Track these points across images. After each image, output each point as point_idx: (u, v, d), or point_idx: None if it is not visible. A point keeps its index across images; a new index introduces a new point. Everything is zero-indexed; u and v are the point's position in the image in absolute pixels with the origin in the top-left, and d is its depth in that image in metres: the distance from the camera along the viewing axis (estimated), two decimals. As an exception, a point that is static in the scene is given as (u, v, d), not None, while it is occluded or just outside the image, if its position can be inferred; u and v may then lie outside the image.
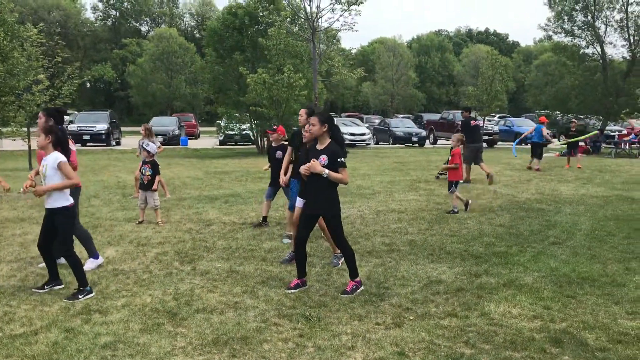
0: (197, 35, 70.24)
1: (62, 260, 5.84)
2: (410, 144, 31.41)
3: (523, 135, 20.78)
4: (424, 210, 10.44)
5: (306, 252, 5.85)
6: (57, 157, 5.45)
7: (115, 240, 7.98)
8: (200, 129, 45.28)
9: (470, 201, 10.43)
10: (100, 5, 72.32)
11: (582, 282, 6.01)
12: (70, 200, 5.56)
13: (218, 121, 30.01)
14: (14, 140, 18.80)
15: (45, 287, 5.74)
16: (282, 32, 18.24)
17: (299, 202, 6.90)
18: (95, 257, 6.57)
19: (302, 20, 18.74)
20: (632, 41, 28.51)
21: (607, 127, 30.76)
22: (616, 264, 6.74)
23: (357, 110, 65.60)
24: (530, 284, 5.94)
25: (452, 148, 10.66)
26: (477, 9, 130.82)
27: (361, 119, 40.38)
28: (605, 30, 29.40)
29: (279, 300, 5.44)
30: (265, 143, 18.72)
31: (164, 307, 5.23)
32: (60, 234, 5.53)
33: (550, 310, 5.17)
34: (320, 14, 17.47)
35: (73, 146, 6.63)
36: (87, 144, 28.74)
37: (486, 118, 22.76)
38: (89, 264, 6.46)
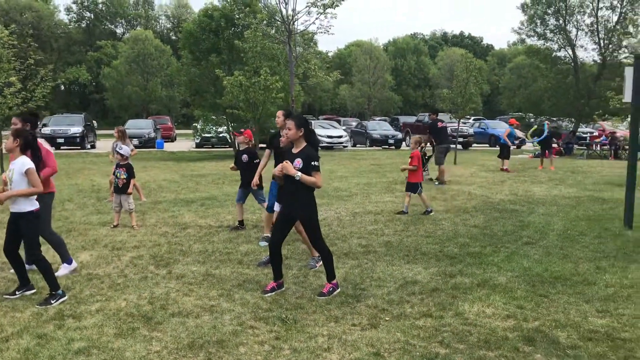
0: (173, 37, 69.69)
1: (34, 266, 5.75)
2: (387, 146, 31.61)
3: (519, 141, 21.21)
4: (399, 211, 10.50)
5: (282, 255, 5.86)
6: (24, 162, 5.35)
7: (90, 244, 7.89)
8: (177, 131, 44.95)
9: (432, 211, 10.34)
10: (74, 6, 71.27)
11: (554, 281, 6.12)
12: (35, 205, 5.47)
13: (194, 124, 29.83)
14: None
15: (17, 292, 5.65)
16: (259, 34, 18.22)
17: (278, 207, 6.91)
18: (69, 262, 6.48)
19: (279, 23, 18.73)
20: (602, 45, 29.08)
21: (579, 129, 31.30)
22: (587, 263, 6.87)
23: (334, 112, 65.76)
24: (504, 284, 6.02)
25: (411, 150, 10.74)
26: (452, 13, 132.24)
27: (338, 122, 40.53)
28: (577, 34, 29.97)
29: (255, 303, 5.43)
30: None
31: (139, 312, 5.19)
32: (26, 238, 5.45)
33: (523, 310, 5.25)
34: (296, 17, 17.47)
35: (51, 148, 6.49)
36: (62, 147, 28.33)
37: (461, 120, 22.95)
38: (63, 270, 6.37)
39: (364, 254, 7.39)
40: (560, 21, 29.83)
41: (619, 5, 28.37)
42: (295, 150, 5.64)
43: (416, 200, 10.55)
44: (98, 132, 36.84)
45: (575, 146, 28.24)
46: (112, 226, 9.01)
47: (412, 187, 10.40)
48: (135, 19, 76.16)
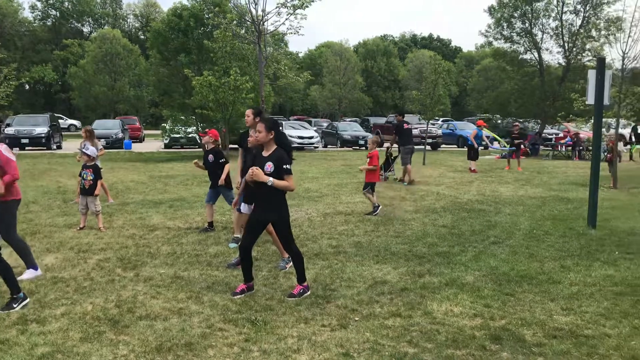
0: (142, 36, 68.73)
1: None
2: (358, 147, 31.74)
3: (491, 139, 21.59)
4: (369, 212, 10.56)
5: (252, 257, 5.83)
6: None
7: (55, 247, 7.73)
8: (145, 132, 44.38)
9: (380, 207, 10.42)
10: (38, 4, 69.72)
11: (520, 280, 6.23)
12: None
13: (163, 124, 29.48)
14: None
15: (-21, 297, 5.49)
16: (228, 34, 18.09)
17: (245, 208, 6.87)
18: (34, 268, 6.33)
19: (249, 23, 18.63)
20: (566, 48, 29.71)
21: (545, 130, 31.92)
22: (552, 262, 7.01)
23: (305, 113, 65.76)
24: (472, 283, 6.11)
25: (370, 150, 10.82)
26: (421, 15, 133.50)
27: (309, 122, 40.58)
28: (542, 37, 30.57)
29: (224, 305, 5.39)
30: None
31: (105, 315, 5.10)
32: None
33: (490, 308, 5.33)
34: (266, 18, 17.39)
35: (12, 155, 6.21)
36: (26, 148, 27.70)
37: (430, 122, 23.20)
38: (27, 274, 6.21)
39: (334, 254, 7.40)
40: (526, 24, 30.38)
41: (582, 9, 29.04)
42: (265, 153, 5.59)
43: (388, 201, 10.62)
44: (64, 132, 36.12)
45: (541, 147, 28.81)
46: (78, 228, 8.85)
47: (369, 186, 10.48)
48: (102, 17, 74.89)
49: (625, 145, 24.35)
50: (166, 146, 30.70)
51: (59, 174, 17.08)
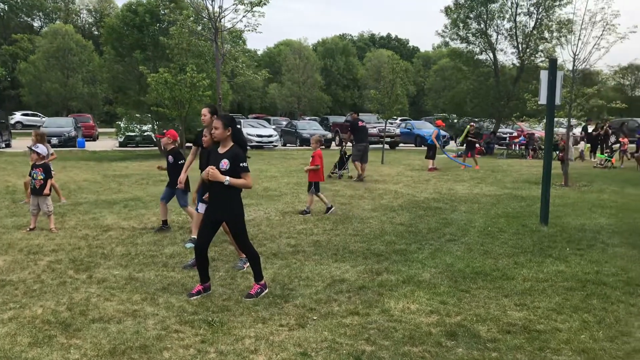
0: (95, 32, 67.10)
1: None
2: (317, 146, 31.75)
3: (444, 140, 21.95)
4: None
5: (208, 257, 5.75)
6: None
7: (3, 249, 7.46)
8: (99, 130, 43.36)
9: (333, 207, 10.39)
10: (-15, -3, 67.31)
11: (475, 276, 6.33)
12: None
13: (118, 122, 28.87)
14: None
15: None
16: (185, 31, 17.84)
17: (202, 208, 6.77)
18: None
19: (205, 20, 18.40)
20: (520, 49, 30.43)
21: (499, 130, 32.63)
22: (506, 258, 7.16)
23: (264, 111, 65.44)
24: (428, 280, 6.18)
25: (313, 150, 10.82)
26: (379, 15, 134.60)
27: (268, 121, 40.38)
28: (497, 38, 31.21)
29: (180, 306, 5.30)
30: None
31: (56, 318, 4.95)
32: None
33: (446, 305, 5.40)
34: (223, 14, 17.21)
35: None
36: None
37: (388, 121, 23.41)
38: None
39: (292, 253, 7.38)
40: (482, 25, 30.98)
41: (535, 11, 29.79)
42: (221, 150, 5.52)
43: (347, 200, 10.65)
44: (13, 130, 34.95)
45: (496, 146, 29.45)
46: (28, 229, 8.56)
47: (312, 186, 10.48)
48: (54, 12, 72.73)
49: (579, 142, 25.14)
50: (121, 145, 30.08)
51: (8, 173, 16.51)
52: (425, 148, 19.96)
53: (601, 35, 14.69)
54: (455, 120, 35.97)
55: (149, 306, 5.30)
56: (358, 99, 72.58)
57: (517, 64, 30.87)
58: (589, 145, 25.08)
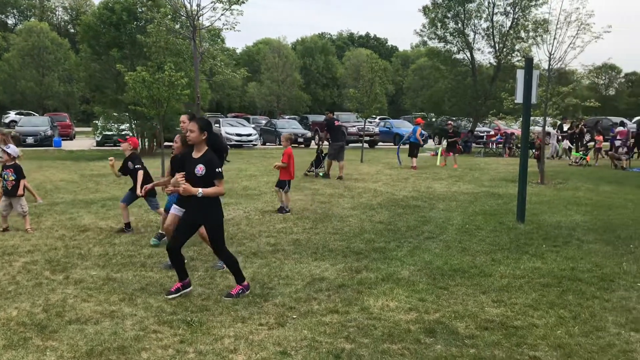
0: (72, 30, 66.18)
1: None
2: (297, 145, 31.74)
3: (404, 138, 22.03)
4: (308, 209, 10.59)
5: (183, 255, 5.69)
6: None
7: (-24, 250, 7.33)
8: (76, 129, 42.80)
9: (289, 212, 10.26)
10: (-43, -6, 66.03)
11: (453, 273, 6.39)
12: None
13: (95, 121, 28.51)
14: None
15: None
16: (162, 29, 17.65)
17: (175, 210, 6.66)
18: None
19: (183, 18, 18.25)
20: (497, 48, 30.71)
21: (477, 128, 32.91)
22: (484, 255, 7.24)
23: (243, 110, 65.15)
24: (407, 278, 6.22)
25: (283, 148, 10.83)
26: (358, 14, 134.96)
27: (247, 120, 40.23)
28: (474, 38, 31.42)
29: (159, 306, 5.26)
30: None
31: (32, 320, 4.88)
32: None
33: (424, 302, 5.44)
34: (201, 12, 17.07)
35: None
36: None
37: (367, 120, 23.49)
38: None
39: (272, 252, 7.37)
40: (459, 25, 31.17)
41: (511, 11, 30.10)
42: (196, 155, 5.43)
43: (327, 199, 10.67)
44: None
45: (473, 144, 29.72)
46: (0, 230, 8.42)
47: (281, 184, 10.48)
48: (28, 9, 71.64)
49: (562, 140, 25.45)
50: (98, 144, 29.71)
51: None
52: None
53: (576, 34, 14.91)
54: (434, 119, 36.20)
55: (127, 307, 5.26)
56: (337, 98, 72.67)
57: (494, 63, 31.13)
58: (563, 144, 25.43)
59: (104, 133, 28.09)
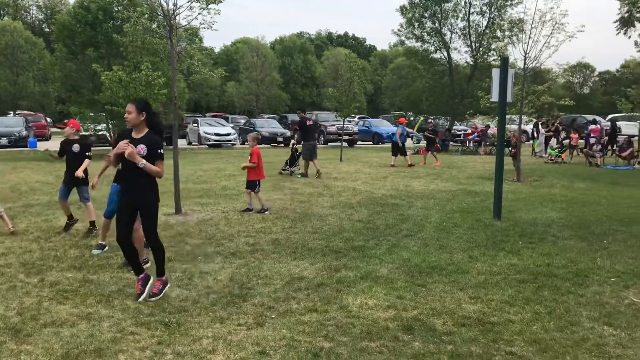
0: (46, 29, 65.18)
1: None
2: (276, 144, 31.70)
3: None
4: (287, 209, 10.59)
5: (134, 247, 5.59)
6: None
7: (-51, 253, 7.18)
8: (52, 130, 42.19)
9: (252, 211, 10.18)
10: None
11: (431, 271, 6.45)
12: None
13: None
14: None
15: None
16: (139, 28, 17.47)
17: (114, 188, 6.79)
18: None
19: (160, 17, 18.09)
20: (473, 47, 31.01)
21: (454, 127, 33.20)
22: (461, 252, 7.31)
23: (222, 110, 64.78)
24: (385, 275, 6.25)
25: (250, 148, 10.80)
26: (337, 13, 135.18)
27: (226, 119, 40.05)
28: (451, 37, 31.68)
29: (136, 308, 5.22)
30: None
31: (5, 324, 4.80)
32: None
33: (403, 300, 5.48)
34: (177, 12, 16.92)
35: None
36: None
37: (346, 119, 23.54)
38: None
39: (251, 252, 7.35)
40: (436, 24, 31.40)
41: (487, 11, 30.40)
42: (137, 136, 5.39)
43: (307, 198, 10.66)
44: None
45: (451, 143, 29.98)
46: (-25, 233, 8.28)
47: (251, 185, 10.46)
48: (2, 8, 70.37)
49: (528, 140, 25.80)
50: (74, 144, 29.32)
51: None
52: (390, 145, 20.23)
53: (551, 34, 15.14)
54: (412, 118, 36.42)
55: (103, 309, 5.20)
56: (316, 97, 72.64)
57: (471, 63, 31.43)
58: (538, 141, 25.77)
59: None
